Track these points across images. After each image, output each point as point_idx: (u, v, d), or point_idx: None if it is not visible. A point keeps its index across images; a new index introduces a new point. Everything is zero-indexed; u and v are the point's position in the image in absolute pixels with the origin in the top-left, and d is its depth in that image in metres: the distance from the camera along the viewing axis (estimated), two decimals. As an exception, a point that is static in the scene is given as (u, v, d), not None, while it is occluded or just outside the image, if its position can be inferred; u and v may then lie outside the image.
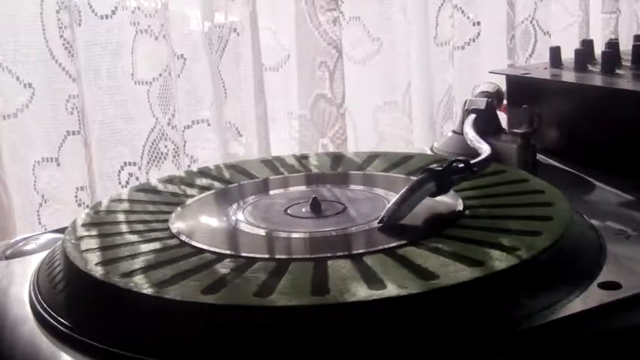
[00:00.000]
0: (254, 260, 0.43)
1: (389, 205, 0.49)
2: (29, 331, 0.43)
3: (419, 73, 1.06)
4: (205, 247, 0.46)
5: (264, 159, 0.66)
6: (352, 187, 0.57)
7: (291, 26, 0.97)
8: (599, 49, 0.75)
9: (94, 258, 0.45)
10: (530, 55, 1.12)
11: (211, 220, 0.52)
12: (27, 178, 0.85)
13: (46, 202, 0.86)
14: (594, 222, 0.51)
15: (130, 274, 0.42)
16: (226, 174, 0.61)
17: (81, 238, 0.48)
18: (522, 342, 0.38)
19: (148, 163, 0.89)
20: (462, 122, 0.69)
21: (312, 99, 0.98)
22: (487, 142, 0.61)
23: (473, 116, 0.68)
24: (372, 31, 1.02)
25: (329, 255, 0.43)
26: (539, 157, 0.66)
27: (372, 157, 0.63)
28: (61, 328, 0.41)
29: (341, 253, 0.43)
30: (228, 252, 0.45)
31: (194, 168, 0.78)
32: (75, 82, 0.83)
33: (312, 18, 0.95)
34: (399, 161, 0.61)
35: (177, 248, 0.46)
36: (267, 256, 0.44)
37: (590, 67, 0.72)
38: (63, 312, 0.42)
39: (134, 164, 0.88)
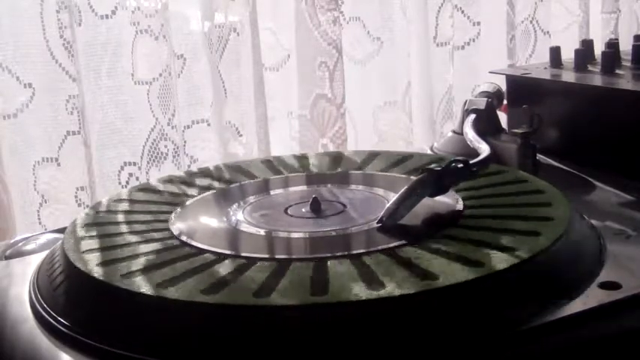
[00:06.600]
0: (253, 260, 0.43)
1: (388, 205, 0.49)
2: (29, 331, 0.43)
3: (419, 73, 1.06)
4: (205, 247, 0.46)
5: (264, 159, 0.66)
6: (352, 187, 0.57)
7: (291, 26, 0.97)
8: (599, 49, 0.75)
9: (93, 258, 0.45)
10: (530, 55, 1.12)
11: (211, 220, 0.52)
12: (27, 178, 0.85)
13: (46, 202, 0.86)
14: (594, 222, 0.51)
15: (130, 273, 0.42)
16: (226, 174, 0.61)
17: (81, 238, 0.48)
18: (522, 342, 0.38)
19: (148, 163, 0.89)
20: (462, 122, 0.69)
21: (312, 99, 0.98)
22: (487, 142, 0.61)
23: (473, 116, 0.68)
24: (372, 31, 1.02)
25: (329, 255, 0.43)
26: (539, 157, 0.66)
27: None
28: (61, 328, 0.41)
29: (340, 254, 0.43)
30: (227, 252, 0.45)
31: (194, 168, 0.78)
32: (75, 82, 0.83)
33: (312, 18, 0.95)
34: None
35: (176, 248, 0.46)
36: (266, 255, 0.44)
37: (590, 67, 0.72)
38: (63, 312, 0.42)
39: (134, 164, 0.88)
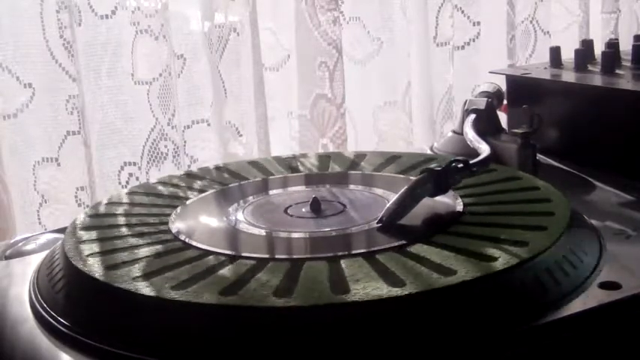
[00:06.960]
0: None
1: (387, 205, 0.49)
2: (29, 331, 0.43)
3: (419, 73, 1.06)
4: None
5: (280, 158, 0.66)
6: (352, 187, 0.57)
7: (291, 26, 0.97)
8: (599, 49, 0.75)
9: (93, 258, 0.45)
10: (530, 55, 1.12)
11: (211, 220, 0.52)
12: (27, 178, 0.85)
13: (46, 202, 0.86)
14: (594, 222, 0.51)
15: (130, 273, 0.42)
16: (226, 174, 0.61)
17: (81, 238, 0.48)
18: (522, 342, 0.38)
19: (148, 163, 0.89)
20: (462, 122, 0.69)
21: (312, 99, 0.98)
22: (487, 142, 0.61)
23: (473, 116, 0.68)
24: (372, 31, 1.02)
25: (308, 256, 0.43)
26: (539, 157, 0.66)
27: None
28: (61, 328, 0.41)
29: (320, 255, 0.43)
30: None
31: (194, 168, 0.78)
32: (75, 82, 0.83)
33: (312, 18, 0.95)
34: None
35: (176, 248, 0.46)
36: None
37: (590, 67, 0.72)
38: (63, 312, 0.42)
39: (134, 164, 0.88)
